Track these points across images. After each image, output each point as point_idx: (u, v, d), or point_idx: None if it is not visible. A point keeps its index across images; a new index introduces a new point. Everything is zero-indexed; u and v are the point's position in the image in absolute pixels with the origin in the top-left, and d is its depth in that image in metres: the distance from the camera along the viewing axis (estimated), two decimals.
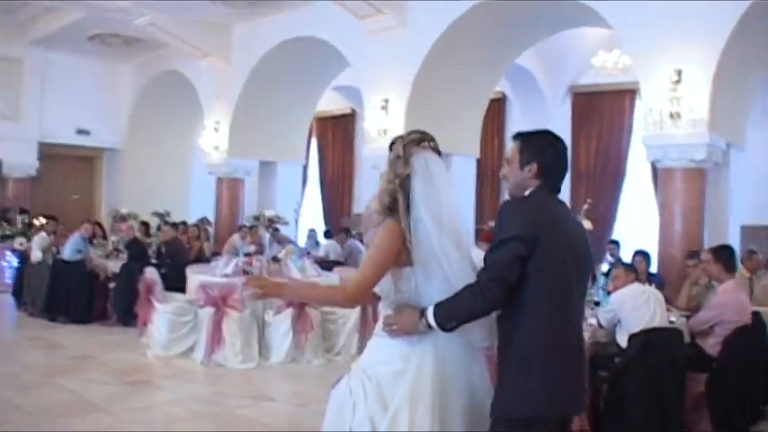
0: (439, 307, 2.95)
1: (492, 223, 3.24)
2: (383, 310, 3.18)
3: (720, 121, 9.27)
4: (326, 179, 19.48)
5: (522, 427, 2.92)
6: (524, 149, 3.18)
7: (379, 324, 3.17)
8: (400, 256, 3.03)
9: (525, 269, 2.91)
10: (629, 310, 6.27)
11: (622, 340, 6.26)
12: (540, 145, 3.18)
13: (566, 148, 3.26)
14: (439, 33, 11.17)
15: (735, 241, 10.07)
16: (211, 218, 15.15)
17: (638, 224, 14.15)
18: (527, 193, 3.15)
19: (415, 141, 3.14)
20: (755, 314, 6.73)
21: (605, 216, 14.53)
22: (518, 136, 3.29)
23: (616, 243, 11.34)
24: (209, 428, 6.10)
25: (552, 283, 2.94)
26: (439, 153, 3.22)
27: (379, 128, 11.90)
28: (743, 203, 10.50)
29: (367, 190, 17.53)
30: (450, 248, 3.03)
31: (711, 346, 6.39)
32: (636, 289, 6.43)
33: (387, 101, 11.83)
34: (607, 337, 6.50)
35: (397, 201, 3.05)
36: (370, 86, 12.17)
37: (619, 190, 14.98)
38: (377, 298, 3.26)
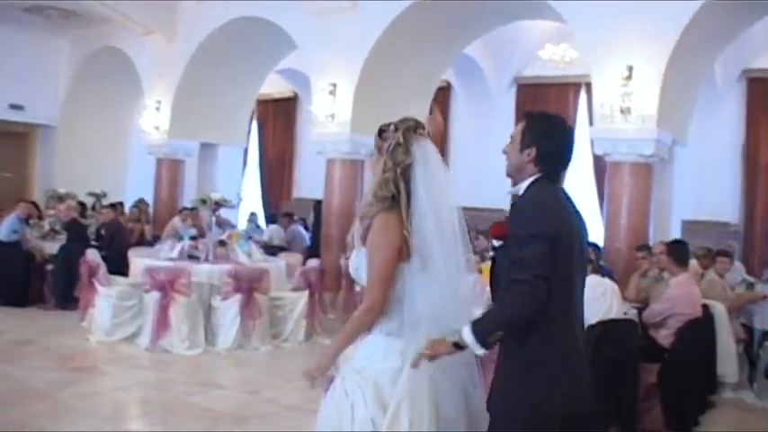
0: (477, 322, 2.82)
1: (497, 216, 3.07)
2: None
3: (668, 118, 9.43)
4: (266, 163, 19.23)
5: (535, 426, 2.85)
6: (528, 131, 3.05)
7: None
8: (402, 250, 2.94)
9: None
10: (586, 301, 6.20)
11: None
12: (544, 129, 3.05)
13: (572, 138, 3.12)
14: (389, 20, 11.08)
15: (676, 235, 10.30)
16: (150, 199, 14.77)
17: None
18: (527, 182, 3.01)
19: (412, 128, 3.04)
20: (705, 307, 6.86)
21: None
22: (527, 115, 3.18)
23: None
24: (160, 416, 5.93)
25: (560, 283, 2.85)
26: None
27: (327, 112, 11.77)
28: (683, 199, 10.73)
29: (308, 174, 17.43)
30: (450, 239, 2.96)
31: (664, 337, 6.49)
32: (593, 281, 6.45)
33: (335, 85, 11.71)
34: None
35: (400, 190, 2.96)
36: (318, 70, 12.02)
37: (561, 182, 15.06)
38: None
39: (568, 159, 3.09)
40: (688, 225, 11.35)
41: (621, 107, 9.28)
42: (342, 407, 2.91)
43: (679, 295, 6.55)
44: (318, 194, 14.40)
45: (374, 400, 2.88)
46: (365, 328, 2.97)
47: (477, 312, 3.11)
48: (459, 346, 2.82)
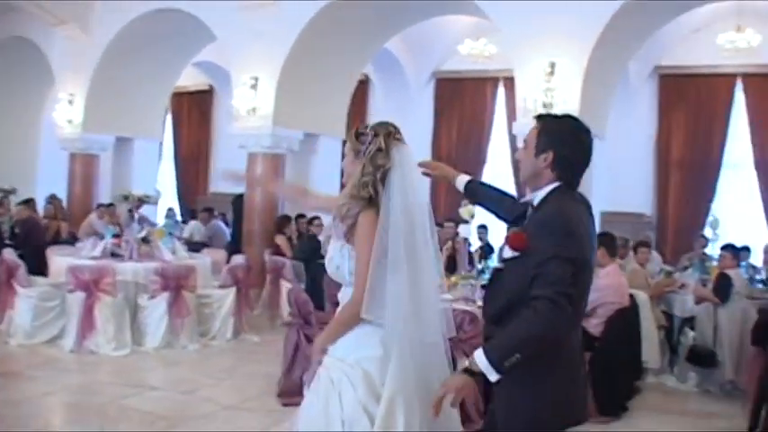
0: (493, 342, 2.69)
1: (515, 228, 2.93)
2: (345, 297, 3.11)
3: (589, 113, 9.66)
4: (181, 157, 18.86)
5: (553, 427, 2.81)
6: (543, 134, 2.88)
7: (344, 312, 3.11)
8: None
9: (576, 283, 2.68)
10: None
11: None
12: (561, 132, 2.87)
13: (590, 141, 2.91)
14: (311, 14, 11.04)
15: (596, 227, 10.55)
16: (62, 195, 14.27)
17: None
18: (545, 191, 2.85)
19: (392, 134, 3.08)
20: (630, 296, 7.09)
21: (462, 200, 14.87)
22: (540, 117, 3.00)
23: (484, 227, 11.61)
24: (96, 421, 5.73)
25: (579, 299, 2.78)
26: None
27: (249, 106, 11.63)
28: (601, 191, 11.02)
29: (224, 167, 17.11)
30: (422, 243, 3.01)
31: (594, 326, 6.66)
32: None
33: (256, 79, 11.57)
34: None
35: (378, 192, 2.99)
36: (239, 64, 11.87)
37: (480, 175, 15.35)
38: (337, 287, 3.19)
39: (587, 163, 2.92)
40: (606, 217, 11.67)
41: (544, 102, 9.50)
42: (329, 395, 2.91)
43: (608, 285, 6.75)
44: (235, 189, 14.24)
45: (364, 387, 2.89)
46: (357, 319, 2.95)
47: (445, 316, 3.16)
48: (471, 373, 2.65)
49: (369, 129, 3.10)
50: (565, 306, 2.59)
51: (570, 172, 2.87)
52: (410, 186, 3.01)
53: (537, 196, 2.90)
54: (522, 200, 3.04)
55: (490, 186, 3.54)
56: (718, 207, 13.08)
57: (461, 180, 3.44)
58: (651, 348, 7.58)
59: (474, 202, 2.83)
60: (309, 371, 3.09)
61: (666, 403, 6.92)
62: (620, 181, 13.01)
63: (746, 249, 9.71)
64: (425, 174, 3.38)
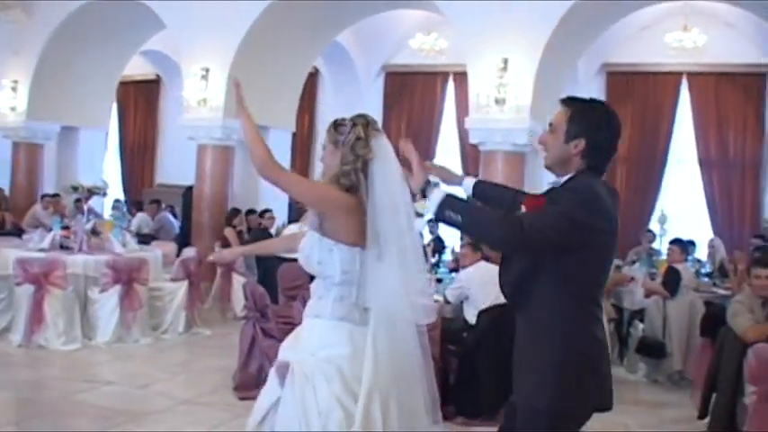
0: (454, 199, 2.71)
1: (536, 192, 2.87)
2: (317, 290, 3.11)
3: (540, 108, 9.82)
4: (127, 147, 18.53)
5: (566, 421, 2.81)
6: (574, 121, 2.79)
7: (315, 305, 3.11)
8: (357, 234, 3.01)
9: (578, 257, 2.69)
10: (477, 286, 6.51)
11: (470, 316, 6.49)
12: (594, 119, 2.80)
13: (620, 128, 2.86)
14: (263, 6, 11.04)
15: None
16: (4, 186, 13.92)
17: None
18: (569, 175, 2.82)
19: (371, 126, 3.10)
20: None
21: (414, 194, 14.91)
22: (570, 102, 2.90)
23: (435, 221, 11.66)
24: (50, 417, 5.62)
25: (590, 281, 2.81)
26: None
27: (199, 97, 11.50)
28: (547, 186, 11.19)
29: (172, 160, 16.94)
30: (404, 232, 3.03)
31: None
32: (483, 267, 6.67)
33: (207, 70, 11.45)
34: (453, 313, 6.72)
35: (360, 181, 3.02)
36: (189, 54, 11.74)
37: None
38: (310, 278, 3.20)
39: (616, 150, 2.88)
40: None
41: (497, 98, 9.60)
42: (304, 390, 2.92)
43: None
44: (183, 180, 14.08)
45: (338, 382, 2.91)
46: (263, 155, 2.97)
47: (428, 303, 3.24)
48: (425, 190, 2.78)
49: (348, 120, 3.12)
50: (529, 236, 2.60)
51: (601, 159, 2.84)
52: (392, 177, 3.03)
53: (561, 180, 2.87)
54: (551, 183, 2.99)
55: (497, 185, 3.50)
56: (664, 202, 13.37)
57: (468, 183, 3.37)
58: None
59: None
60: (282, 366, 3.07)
61: (619, 393, 6.93)
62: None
63: (692, 244, 9.96)
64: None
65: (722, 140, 13.40)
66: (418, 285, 3.12)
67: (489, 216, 2.77)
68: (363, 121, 3.09)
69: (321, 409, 2.87)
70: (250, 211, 11.32)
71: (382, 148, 3.06)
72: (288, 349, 3.14)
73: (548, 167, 2.93)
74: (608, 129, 2.81)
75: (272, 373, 3.12)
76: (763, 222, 13.21)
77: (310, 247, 3.08)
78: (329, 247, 3.02)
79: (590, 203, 2.68)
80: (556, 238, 2.63)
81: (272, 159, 2.97)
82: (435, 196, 2.73)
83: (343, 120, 3.13)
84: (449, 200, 2.70)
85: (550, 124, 2.90)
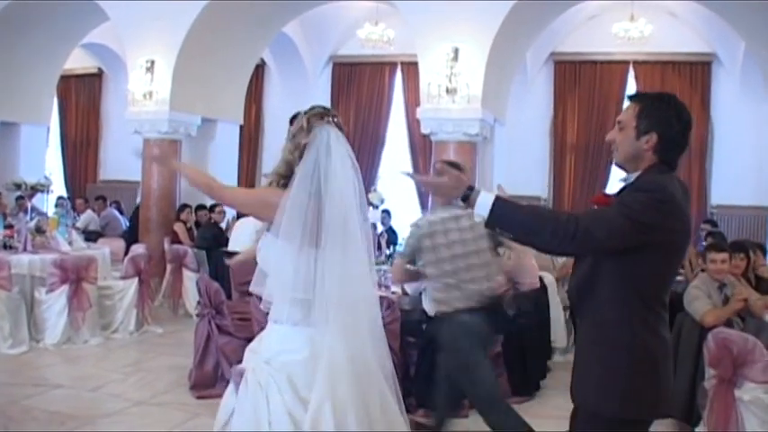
0: (504, 203, 2.60)
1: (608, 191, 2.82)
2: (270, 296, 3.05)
3: (490, 98, 9.84)
4: (69, 143, 18.08)
5: (637, 427, 2.75)
6: (644, 116, 2.75)
7: (274, 308, 3.04)
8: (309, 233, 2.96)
9: (647, 257, 2.63)
10: None
11: (429, 307, 6.42)
12: (665, 113, 2.74)
13: (691, 120, 2.79)
14: None
15: None
16: None
17: (398, 193, 14.56)
18: (641, 169, 2.76)
19: (318, 115, 3.05)
20: (539, 278, 7.24)
21: (365, 185, 14.78)
22: (639, 98, 2.87)
23: (387, 212, 11.62)
24: (1, 423, 5.41)
25: (664, 281, 2.77)
26: (341, 129, 3.12)
27: (144, 90, 11.25)
28: (499, 175, 11.24)
29: (116, 155, 16.60)
30: (355, 226, 2.99)
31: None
32: None
33: (152, 62, 11.21)
34: (412, 305, 6.65)
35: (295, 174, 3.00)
36: (133, 47, 11.46)
37: (378, 159, 15.39)
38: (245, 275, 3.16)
39: (688, 143, 2.82)
40: None
41: (448, 87, 9.58)
42: (257, 399, 2.86)
43: (521, 266, 6.86)
44: (128, 176, 13.79)
45: (289, 392, 2.86)
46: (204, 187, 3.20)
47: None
48: (470, 189, 2.65)
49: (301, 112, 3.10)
50: (580, 243, 2.57)
51: (673, 153, 2.79)
52: (327, 167, 2.97)
53: (632, 176, 2.81)
54: (621, 179, 2.89)
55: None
56: (613, 189, 13.51)
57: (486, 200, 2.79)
58: (558, 328, 7.80)
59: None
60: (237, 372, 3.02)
61: None
62: (517, 164, 13.29)
63: None
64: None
65: None
66: (370, 277, 3.10)
67: (542, 216, 2.67)
68: (311, 111, 3.07)
69: (272, 420, 2.82)
70: (200, 207, 11.15)
71: (326, 136, 3.00)
72: (250, 352, 3.10)
73: (618, 165, 2.88)
74: (679, 121, 2.76)
75: (231, 383, 3.09)
76: (710, 208, 13.47)
77: (266, 249, 3.04)
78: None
79: (663, 204, 2.63)
80: (612, 244, 2.61)
81: (213, 183, 3.17)
82: (485, 200, 2.61)
83: (299, 112, 3.11)
84: (499, 203, 2.60)
85: (619, 121, 2.84)
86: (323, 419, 2.79)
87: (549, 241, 2.61)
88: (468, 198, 2.64)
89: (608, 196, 2.73)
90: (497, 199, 2.60)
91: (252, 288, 3.08)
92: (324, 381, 2.83)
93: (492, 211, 2.59)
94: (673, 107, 2.78)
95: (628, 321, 2.66)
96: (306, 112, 3.06)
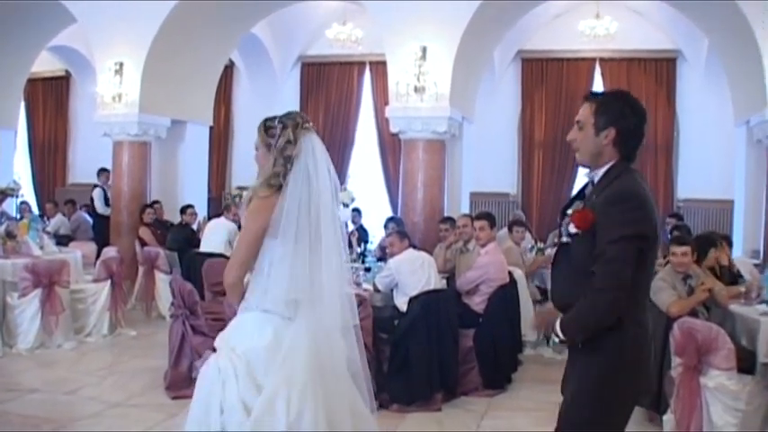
0: (567, 318, 2.85)
1: (579, 204, 2.90)
2: (250, 284, 3.16)
3: (459, 96, 9.94)
4: (36, 147, 17.93)
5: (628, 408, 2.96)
6: (601, 112, 2.89)
7: (247, 298, 3.15)
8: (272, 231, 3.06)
9: (642, 261, 2.77)
10: (406, 274, 6.57)
11: (401, 303, 6.54)
12: (620, 108, 2.88)
13: (645, 113, 2.94)
14: None
15: (465, 207, 10.88)
16: None
17: (368, 192, 14.63)
18: (606, 168, 2.90)
19: (300, 124, 3.13)
20: (509, 273, 7.35)
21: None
22: (595, 96, 3.01)
23: (358, 211, 11.69)
24: None
25: (646, 279, 2.96)
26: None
27: (113, 93, 11.21)
28: (469, 172, 11.35)
29: (85, 158, 16.50)
30: (328, 228, 3.08)
31: (477, 303, 6.88)
32: (411, 254, 6.74)
33: (121, 65, 11.17)
34: (383, 301, 6.75)
35: (287, 182, 3.07)
36: (102, 49, 11.39)
37: (348, 158, 15.45)
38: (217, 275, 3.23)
39: (644, 135, 2.95)
40: (473, 197, 12.02)
41: (416, 86, 9.65)
42: (213, 383, 2.95)
43: (490, 263, 6.99)
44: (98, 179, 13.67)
45: (246, 379, 2.94)
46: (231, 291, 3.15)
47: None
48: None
49: (277, 121, 3.15)
50: (622, 299, 2.72)
51: (632, 146, 2.91)
52: (316, 172, 3.08)
53: (597, 174, 2.94)
54: (587, 175, 3.05)
55: None
56: (581, 185, 13.66)
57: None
58: (528, 322, 7.90)
59: None
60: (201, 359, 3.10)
61: (546, 374, 7.19)
62: (486, 162, 13.44)
63: None
64: None
65: None
66: (335, 285, 3.13)
67: (586, 311, 2.80)
68: (293, 122, 3.13)
69: (225, 407, 2.90)
70: (155, 202, 11.25)
71: (310, 145, 3.12)
72: (220, 339, 3.18)
73: (581, 164, 3.02)
74: (634, 114, 2.90)
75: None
76: (677, 202, 13.69)
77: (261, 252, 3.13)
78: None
79: (638, 211, 2.77)
80: (631, 270, 2.72)
81: (236, 285, 3.17)
82: (559, 333, 2.87)
83: (273, 120, 3.17)
84: (564, 323, 2.85)
85: (578, 121, 2.97)
86: (276, 406, 2.86)
87: (607, 319, 2.77)
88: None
89: (584, 213, 2.81)
90: (561, 322, 2.86)
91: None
92: (281, 368, 2.91)
93: (563, 331, 2.86)
94: (627, 102, 2.92)
95: (619, 321, 2.79)
96: (282, 120, 3.13)
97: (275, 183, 3.08)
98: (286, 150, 3.08)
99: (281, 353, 2.95)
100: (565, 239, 2.96)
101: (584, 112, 2.94)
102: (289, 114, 3.18)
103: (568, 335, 2.85)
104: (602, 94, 3.06)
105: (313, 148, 3.11)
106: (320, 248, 3.06)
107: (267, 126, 3.17)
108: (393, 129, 10.12)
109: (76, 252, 9.31)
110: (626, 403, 2.93)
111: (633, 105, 2.92)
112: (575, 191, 3.11)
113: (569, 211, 2.94)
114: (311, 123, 3.20)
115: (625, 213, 2.75)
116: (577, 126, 2.97)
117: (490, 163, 13.85)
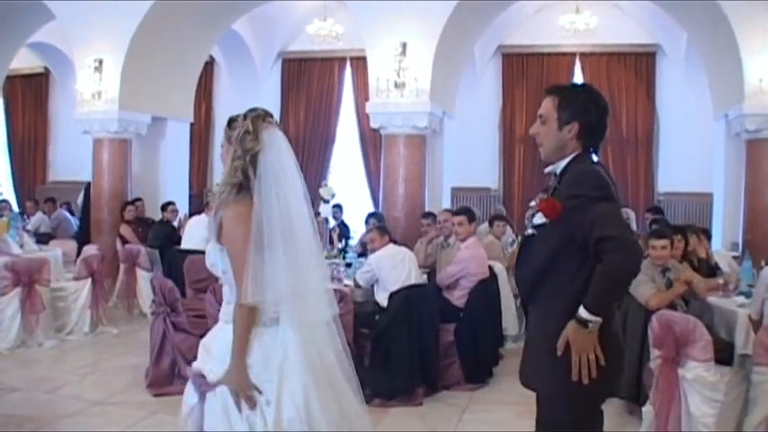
0: (590, 299, 2.70)
1: (543, 195, 2.93)
2: (226, 296, 3.08)
3: (439, 92, 9.96)
4: (16, 144, 17.81)
5: (586, 403, 2.90)
6: (564, 107, 2.90)
7: (224, 309, 3.07)
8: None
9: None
10: (387, 269, 6.59)
11: (382, 298, 6.56)
12: (582, 102, 2.90)
13: (607, 106, 2.97)
14: None
15: (447, 202, 10.92)
16: None
17: (349, 187, 14.64)
18: (568, 159, 2.92)
19: (260, 117, 3.03)
20: (490, 267, 7.38)
21: (316, 180, 14.75)
22: (555, 90, 3.01)
23: (339, 207, 11.66)
24: None
25: None
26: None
27: (93, 90, 11.15)
28: (450, 167, 11.39)
29: (65, 156, 16.43)
30: (300, 225, 3.00)
31: (457, 298, 6.90)
32: (392, 249, 6.76)
33: (101, 62, 11.12)
34: (364, 297, 6.76)
35: (249, 177, 2.95)
36: (81, 46, 11.34)
37: (329, 154, 15.45)
38: (215, 280, 3.14)
39: (607, 127, 2.99)
40: (455, 192, 12.07)
41: (396, 82, 9.67)
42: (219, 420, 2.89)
43: (470, 257, 7.00)
44: (78, 176, 13.64)
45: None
46: (253, 323, 2.89)
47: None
48: (580, 322, 2.72)
49: (241, 116, 3.06)
50: (631, 239, 2.70)
51: (595, 139, 2.95)
52: (282, 168, 2.98)
53: (559, 166, 2.96)
54: (548, 170, 3.07)
55: None
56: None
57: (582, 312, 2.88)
58: (509, 316, 7.97)
59: None
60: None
61: None
62: (467, 157, 13.48)
63: None
64: None
65: (615, 117, 13.88)
66: (313, 283, 3.06)
67: (601, 279, 2.70)
68: (253, 114, 3.04)
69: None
70: (137, 200, 11.18)
71: (273, 140, 3.00)
72: (203, 349, 3.09)
73: (546, 158, 3.01)
74: (597, 108, 2.92)
75: (190, 381, 3.09)
76: (657, 195, 13.79)
77: (213, 256, 3.05)
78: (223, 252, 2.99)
79: (602, 180, 2.81)
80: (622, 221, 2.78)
81: (244, 309, 2.88)
82: (583, 313, 2.71)
83: (237, 116, 3.08)
84: (590, 297, 2.71)
85: (540, 115, 2.98)
86: (283, 418, 2.83)
87: (636, 262, 2.73)
88: (583, 322, 2.72)
89: (549, 201, 2.83)
90: (585, 305, 2.70)
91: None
92: (278, 379, 2.86)
93: (592, 312, 2.70)
94: (589, 95, 2.95)
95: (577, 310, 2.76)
96: (246, 116, 3.03)
97: (235, 179, 2.96)
98: (245, 142, 2.96)
99: (273, 363, 2.89)
100: (530, 231, 2.98)
101: (547, 106, 2.96)
102: (252, 109, 3.09)
103: (601, 305, 2.71)
104: (564, 87, 3.04)
105: (278, 145, 3.00)
106: (296, 249, 2.97)
107: (231, 120, 3.09)
108: (374, 124, 10.13)
109: (57, 250, 9.27)
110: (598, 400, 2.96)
111: (596, 99, 2.94)
112: None
113: (532, 203, 2.97)
114: (275, 119, 3.11)
115: (592, 182, 2.79)
116: (540, 120, 2.99)
117: (471, 158, 13.89)
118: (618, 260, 2.66)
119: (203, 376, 2.98)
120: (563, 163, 2.95)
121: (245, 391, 2.82)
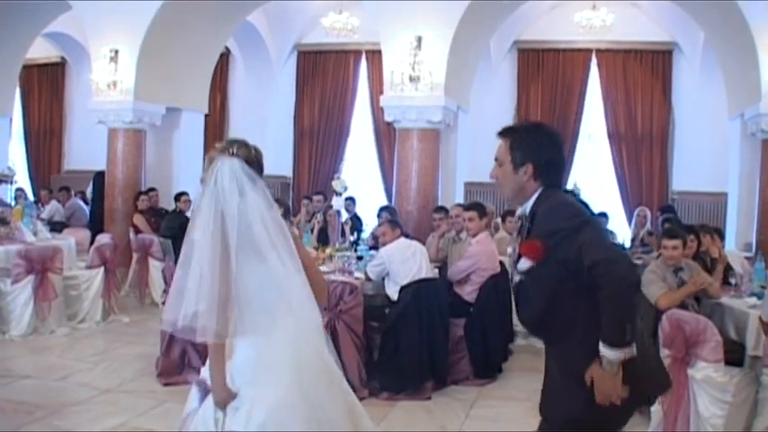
0: (604, 332, 2.68)
1: (517, 238, 2.94)
2: None
3: (453, 86, 9.93)
4: (32, 133, 17.90)
5: (592, 426, 2.85)
6: (516, 148, 2.90)
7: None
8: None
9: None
10: (398, 263, 6.58)
11: (392, 292, 6.56)
12: (534, 141, 2.89)
13: (562, 140, 2.97)
14: None
15: (460, 197, 10.90)
16: None
17: (363, 180, 14.64)
18: (534, 198, 2.90)
19: (216, 148, 3.02)
20: (500, 263, 7.36)
21: (329, 172, 14.79)
22: (507, 132, 2.98)
23: (352, 200, 11.68)
24: None
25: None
26: (249, 162, 2.99)
27: (108, 80, 11.18)
28: (464, 162, 11.36)
29: (81, 145, 16.51)
30: (262, 233, 2.96)
31: (468, 293, 6.90)
32: (403, 243, 6.76)
33: (116, 52, 11.14)
34: (374, 290, 6.76)
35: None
36: (97, 36, 11.36)
37: (343, 147, 15.46)
38: None
39: (564, 160, 2.97)
40: (469, 186, 12.04)
41: (411, 75, 9.65)
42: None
43: (481, 252, 6.99)
44: (93, 166, 13.69)
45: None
46: (223, 351, 2.95)
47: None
48: (604, 362, 2.69)
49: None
50: (619, 256, 2.70)
51: (554, 175, 2.93)
52: (222, 192, 2.92)
53: (526, 207, 2.95)
54: (518, 214, 3.06)
55: None
56: (576, 177, 13.65)
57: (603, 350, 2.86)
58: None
59: None
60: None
61: (537, 363, 7.09)
62: (481, 151, 13.35)
63: (604, 216, 10.28)
64: None
65: (630, 115, 13.82)
66: (299, 282, 2.98)
67: (607, 306, 2.68)
68: (216, 149, 3.02)
69: None
70: (150, 189, 11.21)
71: (216, 166, 2.95)
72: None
73: (508, 199, 3.04)
74: (550, 145, 2.91)
75: (194, 385, 3.11)
76: (671, 194, 13.72)
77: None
78: None
79: (574, 208, 2.83)
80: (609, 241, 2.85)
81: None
82: (606, 351, 2.68)
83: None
84: (609, 341, 2.67)
85: (496, 159, 2.99)
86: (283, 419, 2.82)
87: (623, 290, 2.66)
88: (607, 362, 2.68)
89: (532, 243, 2.83)
90: (602, 340, 2.67)
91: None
92: (267, 384, 2.86)
93: (613, 343, 2.66)
94: (540, 134, 2.94)
95: (589, 335, 2.74)
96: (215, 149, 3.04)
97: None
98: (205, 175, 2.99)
99: (270, 367, 2.88)
100: (518, 278, 2.94)
101: (501, 148, 2.95)
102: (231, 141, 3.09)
103: (616, 332, 2.67)
104: (515, 129, 3.02)
105: (215, 169, 2.94)
106: (266, 258, 2.92)
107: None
108: (388, 118, 10.12)
109: (70, 239, 9.34)
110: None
111: (548, 136, 2.93)
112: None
113: (509, 250, 2.97)
114: (233, 147, 3.00)
115: (565, 214, 2.79)
116: (497, 163, 2.99)
117: (485, 153, 13.65)
118: (612, 281, 2.64)
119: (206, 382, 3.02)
120: (529, 204, 2.93)
121: (226, 402, 2.87)
